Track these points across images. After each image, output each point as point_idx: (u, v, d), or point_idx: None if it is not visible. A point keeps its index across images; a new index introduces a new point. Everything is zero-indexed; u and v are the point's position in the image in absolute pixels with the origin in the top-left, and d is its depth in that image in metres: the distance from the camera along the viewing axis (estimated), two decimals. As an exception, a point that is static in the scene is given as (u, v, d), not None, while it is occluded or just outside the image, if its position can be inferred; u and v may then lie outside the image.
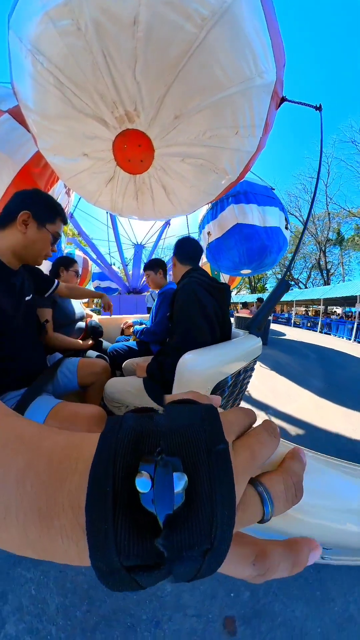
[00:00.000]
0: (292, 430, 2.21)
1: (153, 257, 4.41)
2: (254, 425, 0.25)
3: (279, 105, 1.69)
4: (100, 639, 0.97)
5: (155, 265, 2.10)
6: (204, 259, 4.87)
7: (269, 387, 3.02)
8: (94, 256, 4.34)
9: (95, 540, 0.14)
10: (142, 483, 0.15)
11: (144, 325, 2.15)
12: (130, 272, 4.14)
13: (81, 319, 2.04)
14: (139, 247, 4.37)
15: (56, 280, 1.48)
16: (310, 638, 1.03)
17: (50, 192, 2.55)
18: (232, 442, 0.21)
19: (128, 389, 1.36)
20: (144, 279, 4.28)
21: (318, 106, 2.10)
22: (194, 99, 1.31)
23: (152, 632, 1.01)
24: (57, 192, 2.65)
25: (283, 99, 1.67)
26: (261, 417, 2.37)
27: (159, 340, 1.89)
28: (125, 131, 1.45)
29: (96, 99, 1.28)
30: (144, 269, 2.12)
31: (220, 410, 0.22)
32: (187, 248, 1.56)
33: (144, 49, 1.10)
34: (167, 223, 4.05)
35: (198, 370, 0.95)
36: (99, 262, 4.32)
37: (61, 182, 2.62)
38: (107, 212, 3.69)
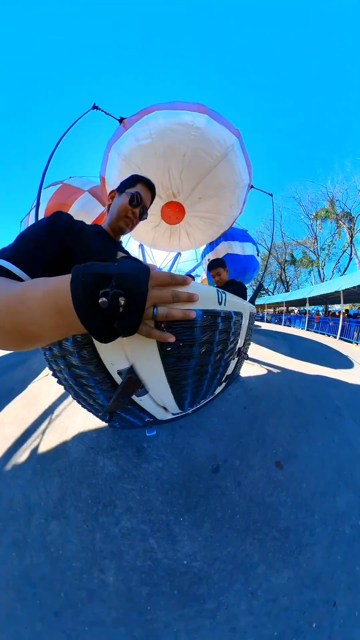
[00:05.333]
0: (271, 368, 2.83)
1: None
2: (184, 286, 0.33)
3: (249, 190, 2.21)
4: (202, 510, 0.99)
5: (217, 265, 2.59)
6: (203, 276, 5.37)
7: (255, 352, 3.65)
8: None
9: (87, 324, 0.25)
10: (102, 302, 0.24)
11: None
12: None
13: None
14: (157, 270, 4.81)
15: None
16: (327, 468, 1.25)
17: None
18: (152, 287, 0.29)
19: None
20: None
21: (271, 194, 2.77)
22: (210, 191, 1.85)
23: (237, 487, 1.09)
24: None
25: (251, 186, 2.18)
26: (256, 366, 2.72)
27: None
28: (170, 202, 1.91)
29: (158, 185, 1.74)
30: (213, 267, 2.56)
31: (154, 272, 0.30)
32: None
33: (187, 166, 1.64)
34: (179, 253, 4.48)
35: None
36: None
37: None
38: (139, 246, 4.08)
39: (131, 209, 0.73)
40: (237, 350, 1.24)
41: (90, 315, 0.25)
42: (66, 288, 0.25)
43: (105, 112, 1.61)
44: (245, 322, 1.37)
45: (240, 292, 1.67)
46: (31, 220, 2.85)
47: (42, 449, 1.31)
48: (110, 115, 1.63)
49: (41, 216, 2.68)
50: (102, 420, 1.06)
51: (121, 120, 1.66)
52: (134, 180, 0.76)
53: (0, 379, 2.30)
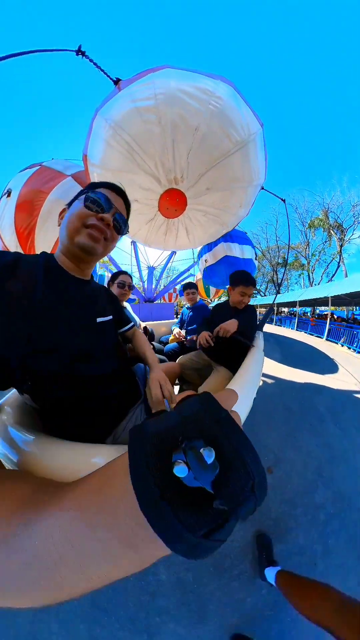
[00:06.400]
0: (265, 378, 3.02)
1: (163, 276, 4.50)
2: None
3: (260, 191, 1.93)
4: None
5: (193, 287, 2.24)
6: (198, 276, 5.08)
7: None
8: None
9: (167, 536, 0.12)
10: (180, 470, 0.13)
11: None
12: (146, 287, 4.21)
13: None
14: (151, 269, 4.44)
15: (133, 323, 0.94)
16: (309, 471, 1.47)
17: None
18: (230, 410, 0.19)
19: (194, 358, 1.45)
20: (156, 292, 4.36)
21: (283, 199, 2.60)
22: (221, 183, 1.52)
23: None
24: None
25: (262, 188, 1.90)
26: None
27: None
28: (171, 189, 1.54)
29: (158, 165, 1.39)
30: (188, 288, 2.20)
31: (219, 395, 0.21)
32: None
33: (198, 145, 1.27)
34: (174, 251, 4.12)
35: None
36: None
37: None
38: (131, 243, 3.67)
39: (94, 214, 0.49)
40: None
41: (159, 511, 0.12)
42: (121, 493, 0.14)
43: (94, 64, 1.16)
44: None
45: (253, 320, 1.47)
46: (1, 211, 2.31)
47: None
48: (101, 69, 1.20)
49: (12, 208, 2.17)
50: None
51: (117, 81, 1.26)
52: (93, 185, 0.55)
53: None
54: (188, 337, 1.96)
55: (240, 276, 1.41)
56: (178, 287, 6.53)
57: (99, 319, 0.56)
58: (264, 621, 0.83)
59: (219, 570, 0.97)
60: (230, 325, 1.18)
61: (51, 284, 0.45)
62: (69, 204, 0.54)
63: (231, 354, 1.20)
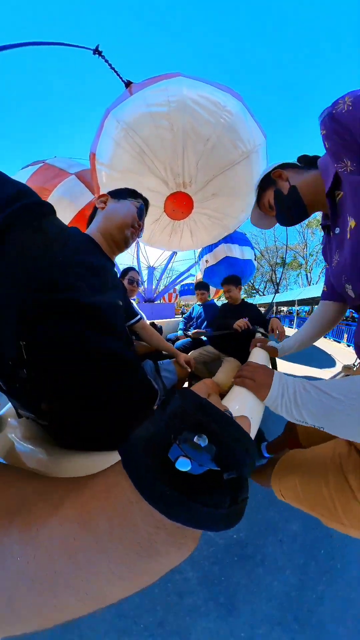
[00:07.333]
0: None
1: (163, 277, 4.52)
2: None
3: None
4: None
5: (205, 287, 2.38)
6: (199, 276, 5.13)
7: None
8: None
9: (203, 523, 0.12)
10: (182, 464, 0.13)
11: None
12: (146, 287, 4.24)
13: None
14: (151, 269, 4.47)
15: (140, 316, 1.03)
16: None
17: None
18: (206, 396, 0.22)
19: (203, 352, 1.66)
20: (156, 292, 4.39)
21: None
22: (226, 189, 1.60)
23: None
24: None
25: None
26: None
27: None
28: (178, 192, 1.57)
29: (167, 169, 1.43)
30: (201, 288, 2.34)
31: (199, 385, 0.24)
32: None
33: (207, 154, 1.33)
34: (175, 252, 4.16)
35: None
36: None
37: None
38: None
39: (138, 220, 0.66)
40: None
41: (183, 508, 0.12)
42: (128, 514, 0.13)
43: (108, 64, 1.21)
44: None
45: (255, 315, 1.61)
46: None
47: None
48: (113, 69, 1.23)
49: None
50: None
51: (128, 84, 1.30)
52: (134, 193, 0.70)
53: None
54: (203, 329, 2.06)
55: (223, 280, 1.80)
56: (178, 287, 6.56)
57: (119, 301, 0.61)
58: (292, 602, 0.86)
59: (242, 558, 0.99)
60: (242, 322, 1.43)
61: (92, 252, 0.54)
62: (113, 196, 0.65)
63: (238, 345, 1.42)
